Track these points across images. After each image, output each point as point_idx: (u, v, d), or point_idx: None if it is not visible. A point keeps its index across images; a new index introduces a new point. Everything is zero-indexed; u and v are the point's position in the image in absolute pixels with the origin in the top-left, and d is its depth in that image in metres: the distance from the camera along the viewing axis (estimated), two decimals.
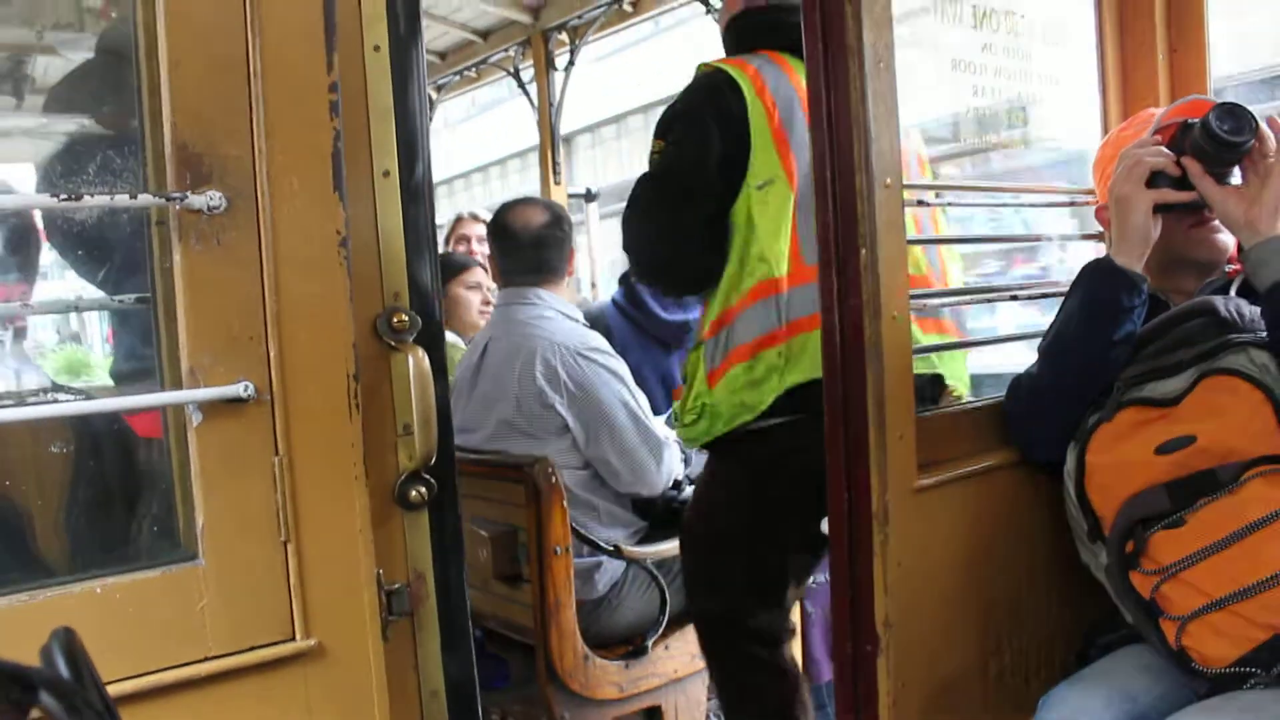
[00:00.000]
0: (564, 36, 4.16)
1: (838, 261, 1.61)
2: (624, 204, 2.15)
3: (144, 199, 1.15)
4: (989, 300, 2.16)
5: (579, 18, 4.05)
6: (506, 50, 4.38)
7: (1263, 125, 1.64)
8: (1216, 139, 1.64)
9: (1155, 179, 1.70)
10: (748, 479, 2.11)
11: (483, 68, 4.58)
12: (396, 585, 1.28)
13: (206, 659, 1.10)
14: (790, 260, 2.02)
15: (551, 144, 4.22)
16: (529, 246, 2.71)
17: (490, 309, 3.55)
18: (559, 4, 4.08)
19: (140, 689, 1.04)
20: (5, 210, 1.36)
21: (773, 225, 2.01)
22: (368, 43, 1.29)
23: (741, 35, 2.22)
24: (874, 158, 1.57)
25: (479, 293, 3.53)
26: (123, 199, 1.16)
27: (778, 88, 2.06)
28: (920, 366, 1.84)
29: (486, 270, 3.47)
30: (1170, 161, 1.68)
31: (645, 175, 2.13)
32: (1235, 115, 1.64)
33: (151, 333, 1.20)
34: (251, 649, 1.13)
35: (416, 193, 1.35)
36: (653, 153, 2.13)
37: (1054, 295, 2.01)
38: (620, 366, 2.59)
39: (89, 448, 1.25)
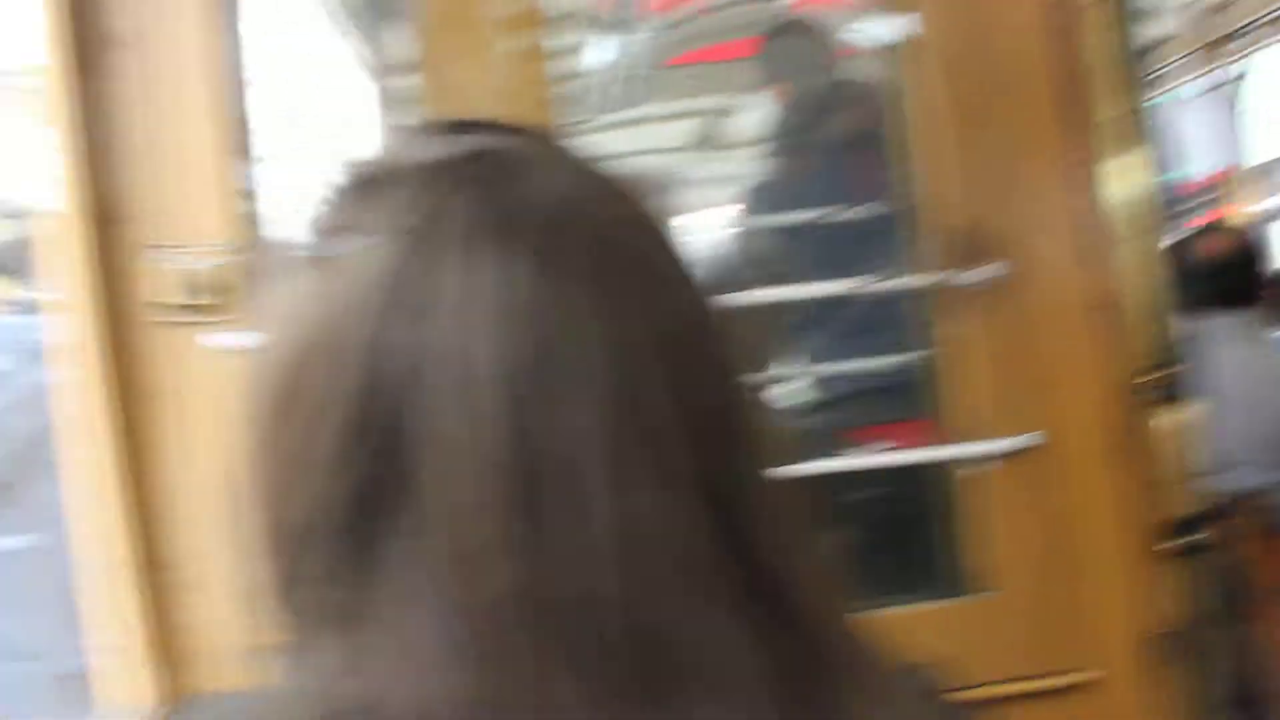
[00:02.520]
0: None
1: None
2: None
3: (923, 279, 1.34)
4: None
5: None
6: None
7: None
8: None
9: None
10: None
11: None
12: (1163, 630, 1.32)
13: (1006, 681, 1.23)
14: None
15: None
16: None
17: None
18: None
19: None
20: (798, 299, 1.61)
21: None
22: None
23: None
24: None
25: None
26: (906, 280, 1.36)
27: None
28: None
29: None
30: None
31: None
32: None
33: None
34: (1044, 676, 1.24)
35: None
36: None
37: None
38: None
39: (901, 487, 1.46)
